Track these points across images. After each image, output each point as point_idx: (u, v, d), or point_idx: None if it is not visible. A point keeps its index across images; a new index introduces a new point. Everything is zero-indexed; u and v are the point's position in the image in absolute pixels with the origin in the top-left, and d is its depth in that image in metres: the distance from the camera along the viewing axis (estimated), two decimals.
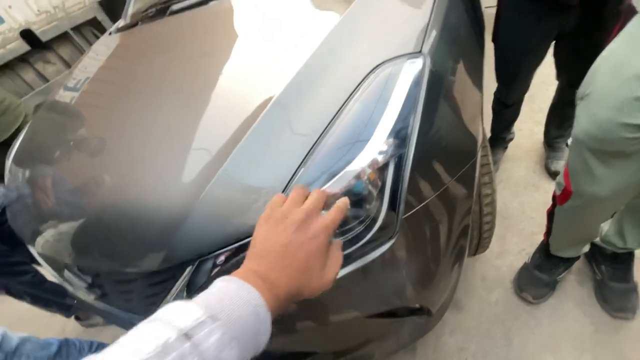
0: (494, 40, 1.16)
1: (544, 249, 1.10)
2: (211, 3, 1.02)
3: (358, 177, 0.54)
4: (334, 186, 0.54)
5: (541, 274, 1.10)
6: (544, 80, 1.67)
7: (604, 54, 0.62)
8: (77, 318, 1.63)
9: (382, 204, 0.56)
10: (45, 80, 2.99)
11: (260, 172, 0.59)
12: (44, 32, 2.91)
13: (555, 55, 1.15)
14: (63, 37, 3.09)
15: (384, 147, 0.55)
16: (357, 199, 0.58)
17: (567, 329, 1.03)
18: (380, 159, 0.55)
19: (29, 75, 2.91)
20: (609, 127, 0.62)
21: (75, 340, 1.02)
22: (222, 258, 0.59)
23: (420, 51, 0.60)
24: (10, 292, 1.37)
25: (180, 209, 0.61)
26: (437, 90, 0.60)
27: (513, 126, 1.52)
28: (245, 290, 0.31)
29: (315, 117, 0.59)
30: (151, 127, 0.79)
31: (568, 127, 1.38)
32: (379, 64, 0.60)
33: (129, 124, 0.84)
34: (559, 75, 1.23)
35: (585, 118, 0.67)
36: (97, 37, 3.37)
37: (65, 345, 0.97)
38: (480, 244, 1.00)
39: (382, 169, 0.55)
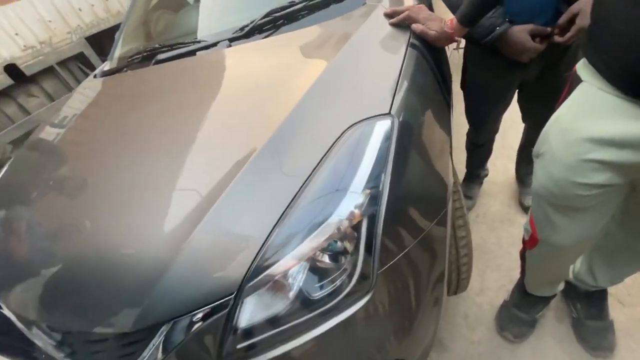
0: (462, 87, 1.25)
1: (521, 287, 1.13)
2: (197, 54, 1.07)
3: (334, 233, 0.56)
4: (313, 241, 0.56)
5: (520, 312, 1.12)
6: (514, 119, 1.79)
7: (553, 118, 0.69)
8: None
9: (357, 260, 0.58)
10: (27, 113, 2.95)
11: (243, 221, 0.60)
12: (29, 67, 2.91)
13: (519, 101, 1.24)
14: (48, 70, 3.10)
15: (358, 203, 0.58)
16: (333, 253, 0.60)
17: None
18: (356, 215, 0.57)
19: (10, 108, 2.87)
20: (564, 185, 0.67)
21: None
22: (199, 316, 0.59)
23: (389, 112, 0.65)
24: None
25: (159, 261, 0.60)
26: (406, 147, 0.64)
27: (487, 163, 1.60)
28: None
29: (294, 171, 0.62)
30: (134, 173, 0.79)
31: None
32: (353, 124, 0.64)
33: (111, 169, 0.84)
34: (524, 119, 1.32)
35: (542, 175, 0.73)
36: (83, 72, 3.40)
37: None
38: (459, 285, 1.02)
39: (356, 226, 0.57)
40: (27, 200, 0.97)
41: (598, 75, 0.60)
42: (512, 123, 1.89)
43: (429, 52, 0.85)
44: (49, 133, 1.19)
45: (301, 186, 0.60)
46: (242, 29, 1.03)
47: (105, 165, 0.87)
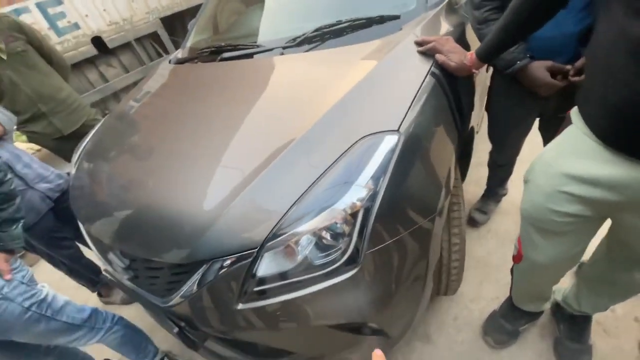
0: (486, 109, 1.34)
1: (510, 300, 1.22)
2: (255, 57, 1.27)
3: (337, 217, 0.73)
4: (320, 220, 0.74)
5: (505, 322, 1.22)
6: (540, 144, 1.81)
7: (542, 151, 0.80)
8: (99, 294, 1.87)
9: (351, 241, 0.75)
10: (106, 80, 3.42)
11: (272, 197, 0.78)
12: (111, 40, 3.36)
13: (540, 129, 1.31)
14: (126, 46, 3.54)
15: (359, 196, 0.74)
16: (334, 233, 0.77)
17: None
18: (355, 205, 0.74)
19: (92, 75, 3.35)
20: (542, 211, 0.79)
21: (102, 310, 1.24)
22: (228, 262, 0.80)
23: (397, 129, 0.80)
24: (51, 261, 1.63)
25: (208, 217, 0.81)
26: (406, 159, 0.79)
27: (506, 183, 1.66)
28: None
29: (316, 164, 0.80)
30: (194, 147, 1.00)
31: None
32: (366, 135, 0.80)
33: (176, 141, 1.07)
34: (545, 146, 1.38)
35: (526, 199, 0.84)
36: (156, 49, 3.82)
37: (94, 313, 1.19)
38: (448, 286, 1.15)
39: (354, 214, 0.74)
40: (108, 158, 1.24)
41: (584, 122, 0.71)
42: (538, 147, 1.91)
43: (447, 80, 0.97)
44: (130, 106, 1.47)
45: (319, 176, 0.77)
46: (294, 39, 1.21)
47: (172, 138, 1.10)
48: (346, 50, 1.08)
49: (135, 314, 1.68)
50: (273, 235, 0.75)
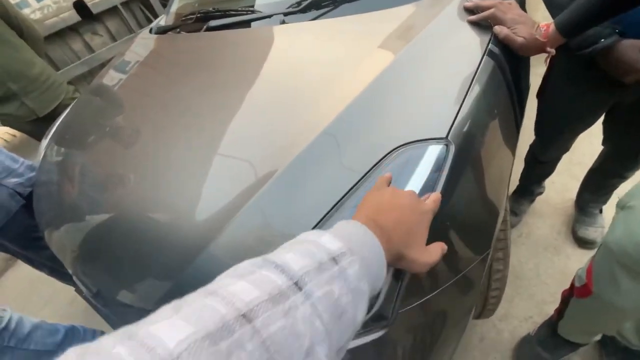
0: (538, 96, 1.08)
1: (552, 326, 1.04)
2: (251, 26, 1.00)
3: None
4: None
5: (543, 351, 1.05)
6: (592, 132, 1.55)
7: None
8: None
9: (379, 295, 0.54)
10: (92, 51, 3.11)
11: (287, 213, 0.57)
12: (95, 5, 3.01)
13: (605, 123, 1.06)
14: (112, 10, 3.19)
15: None
16: None
17: None
18: None
19: (77, 44, 3.04)
20: None
21: (80, 328, 1.09)
22: None
23: (446, 137, 0.57)
24: (30, 263, 1.47)
25: (198, 238, 0.59)
26: (458, 180, 0.57)
27: (544, 181, 1.43)
28: (370, 237, 0.35)
29: (335, 182, 0.57)
30: (183, 139, 0.77)
31: (604, 194, 1.29)
32: (402, 144, 0.57)
33: (164, 127, 0.84)
34: (605, 143, 1.13)
35: (622, 231, 0.62)
36: (145, 15, 3.45)
37: (70, 332, 1.03)
38: (483, 312, 0.96)
39: None
40: (83, 144, 1.02)
41: None
42: (587, 136, 1.65)
43: (508, 62, 0.72)
44: (109, 81, 1.23)
45: (340, 199, 0.55)
46: (298, 2, 0.94)
47: (160, 121, 0.86)
48: (367, 18, 0.82)
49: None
50: None
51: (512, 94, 0.71)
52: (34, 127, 1.79)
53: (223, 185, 0.64)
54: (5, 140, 3.23)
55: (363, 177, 0.56)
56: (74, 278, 0.87)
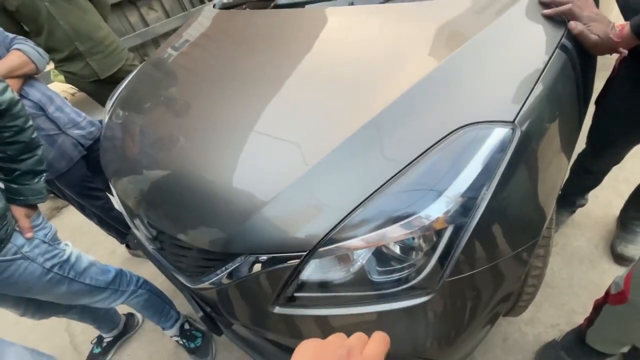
0: (597, 103, 1.06)
1: (579, 334, 1.03)
2: (317, 6, 1.04)
3: (416, 231, 0.56)
4: (392, 232, 0.57)
5: (568, 357, 1.04)
6: None
7: None
8: (128, 246, 1.87)
9: (429, 262, 0.58)
10: (147, 24, 3.26)
11: (332, 190, 0.61)
12: None
13: None
14: None
15: (448, 210, 0.56)
16: (405, 247, 0.60)
17: None
18: (441, 220, 0.56)
19: (133, 17, 3.20)
20: None
21: (127, 272, 1.18)
22: (267, 260, 0.65)
23: (513, 121, 0.59)
24: (82, 210, 1.60)
25: (250, 203, 0.66)
26: (519, 165, 0.59)
27: (588, 193, 1.39)
28: None
29: (392, 156, 0.61)
30: (241, 110, 0.82)
31: None
32: (467, 124, 0.60)
33: (220, 100, 0.89)
34: None
35: None
36: None
37: (119, 274, 1.13)
38: (513, 310, 0.97)
39: (439, 231, 0.56)
40: (143, 110, 1.11)
41: None
42: (637, 153, 1.59)
43: (579, 58, 0.72)
44: (169, 54, 1.31)
45: (395, 174, 0.59)
46: None
47: (215, 97, 0.92)
48: (441, 4, 0.83)
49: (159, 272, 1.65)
50: (328, 240, 0.60)
51: (579, 92, 0.71)
52: (94, 87, 1.93)
53: (276, 154, 0.70)
54: (69, 95, 3.46)
55: (423, 152, 0.59)
56: (136, 221, 0.96)
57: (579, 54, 0.72)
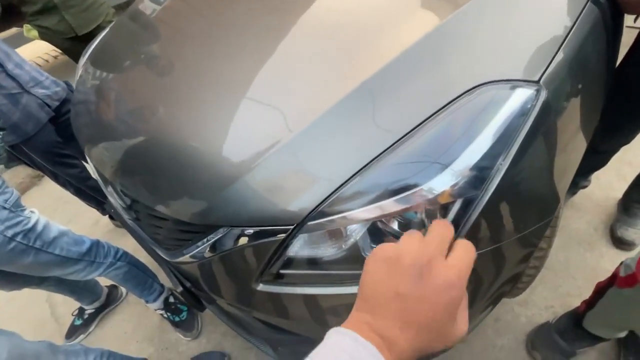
0: (616, 76, 0.97)
1: (575, 317, 1.01)
2: None
3: (419, 205, 0.49)
4: (389, 206, 0.50)
5: (561, 340, 1.02)
6: None
7: None
8: (111, 217, 1.79)
9: None
10: None
11: (323, 158, 0.54)
12: None
13: None
14: None
15: (456, 182, 0.48)
16: (406, 222, 0.53)
17: None
18: (449, 193, 0.49)
19: None
20: None
21: (104, 244, 1.11)
22: (254, 233, 0.58)
23: (538, 81, 0.51)
24: (56, 179, 1.50)
25: (233, 167, 0.59)
26: (540, 134, 0.51)
27: (592, 174, 1.34)
28: (362, 346, 0.27)
29: (392, 123, 0.53)
30: (224, 70, 0.74)
31: None
32: (483, 83, 0.51)
33: (202, 58, 0.80)
34: None
35: None
36: None
37: (95, 246, 1.05)
38: (511, 291, 0.93)
39: (446, 205, 0.49)
40: (117, 70, 1.00)
41: None
42: None
43: (612, 17, 0.63)
44: (148, 7, 1.17)
45: (397, 140, 0.51)
46: None
47: (198, 52, 0.83)
48: None
49: None
50: (318, 213, 0.52)
51: (608, 51, 0.63)
52: (72, 45, 1.77)
53: (261, 115, 0.62)
54: (45, 60, 3.25)
55: (429, 117, 0.51)
56: (111, 190, 0.87)
57: (612, 12, 0.63)
